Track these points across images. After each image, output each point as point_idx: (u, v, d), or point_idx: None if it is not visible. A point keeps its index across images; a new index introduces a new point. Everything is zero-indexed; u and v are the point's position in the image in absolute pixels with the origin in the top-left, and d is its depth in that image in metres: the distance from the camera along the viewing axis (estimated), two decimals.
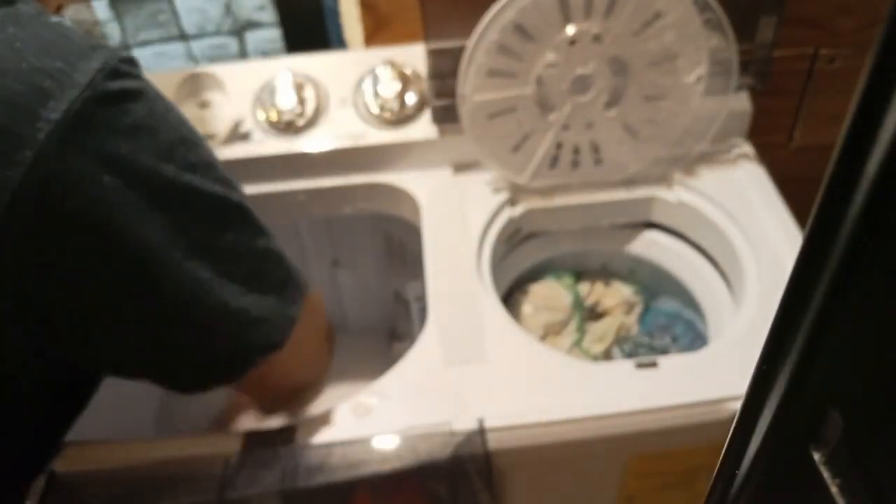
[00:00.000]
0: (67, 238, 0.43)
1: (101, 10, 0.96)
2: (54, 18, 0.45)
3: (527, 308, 0.85)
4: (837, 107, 0.95)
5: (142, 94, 0.45)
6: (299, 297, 0.56)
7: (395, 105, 0.80)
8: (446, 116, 0.78)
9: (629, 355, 0.84)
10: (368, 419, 0.60)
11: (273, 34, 0.99)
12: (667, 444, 0.61)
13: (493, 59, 0.70)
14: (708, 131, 0.78)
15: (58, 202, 0.41)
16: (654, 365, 0.62)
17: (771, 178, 0.79)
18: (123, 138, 0.43)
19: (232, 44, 1.00)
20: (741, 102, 0.80)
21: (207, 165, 0.49)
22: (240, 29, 0.98)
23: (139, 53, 1.05)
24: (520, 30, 0.69)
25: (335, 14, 0.94)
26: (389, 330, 1.04)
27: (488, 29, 0.68)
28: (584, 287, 0.89)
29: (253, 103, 0.81)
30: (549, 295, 0.86)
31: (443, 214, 0.77)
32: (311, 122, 0.81)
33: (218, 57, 1.02)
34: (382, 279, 0.98)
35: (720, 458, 0.31)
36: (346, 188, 0.82)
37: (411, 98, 0.81)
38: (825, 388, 0.25)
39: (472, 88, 0.72)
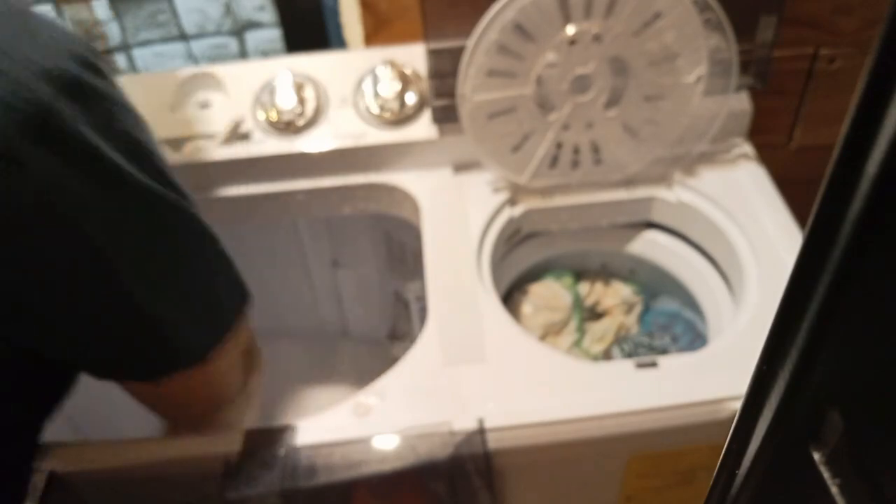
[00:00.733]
0: (19, 222, 0.42)
1: (101, 10, 0.96)
2: (27, 6, 0.45)
3: (527, 308, 0.85)
4: (837, 107, 0.95)
5: (106, 89, 0.45)
6: (233, 315, 0.55)
7: (395, 105, 0.80)
8: (446, 116, 0.78)
9: (629, 355, 0.84)
10: (368, 419, 0.60)
11: (273, 34, 0.99)
12: (667, 444, 0.61)
13: (493, 59, 0.70)
14: (708, 131, 0.78)
15: (14, 188, 0.40)
16: (654, 365, 0.62)
17: (771, 178, 0.79)
18: (84, 129, 0.43)
19: (232, 44, 1.00)
20: (741, 102, 0.80)
21: (159, 170, 0.48)
22: (240, 29, 0.98)
23: (139, 53, 1.05)
24: (520, 30, 0.69)
25: (335, 14, 0.94)
26: (389, 330, 1.04)
27: (488, 29, 0.68)
28: (583, 287, 0.89)
29: (253, 103, 0.81)
30: (549, 295, 0.86)
31: (443, 214, 0.77)
32: (311, 122, 0.81)
33: (218, 57, 1.02)
34: (382, 279, 0.98)
35: (720, 458, 0.31)
36: (345, 188, 0.82)
37: (411, 98, 0.81)
38: (825, 388, 0.25)
39: (472, 88, 0.72)
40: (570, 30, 0.69)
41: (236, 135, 0.80)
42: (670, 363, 0.63)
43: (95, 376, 0.52)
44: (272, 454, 0.57)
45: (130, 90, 0.50)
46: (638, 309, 0.88)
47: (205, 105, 0.82)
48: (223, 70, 0.83)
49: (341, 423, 0.59)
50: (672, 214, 0.82)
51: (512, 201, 0.79)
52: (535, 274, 0.88)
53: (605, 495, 0.66)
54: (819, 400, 0.26)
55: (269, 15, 0.98)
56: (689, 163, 0.80)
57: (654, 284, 0.88)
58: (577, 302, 0.86)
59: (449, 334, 0.66)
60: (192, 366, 0.52)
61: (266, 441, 0.58)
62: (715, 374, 0.61)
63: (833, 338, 0.24)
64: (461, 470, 0.57)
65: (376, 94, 0.81)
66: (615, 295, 0.88)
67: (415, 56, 0.82)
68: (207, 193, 0.81)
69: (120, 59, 1.03)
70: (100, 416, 0.86)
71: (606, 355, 0.85)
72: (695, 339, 0.83)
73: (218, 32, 0.98)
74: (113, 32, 0.99)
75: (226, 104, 0.82)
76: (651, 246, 0.85)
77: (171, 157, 0.79)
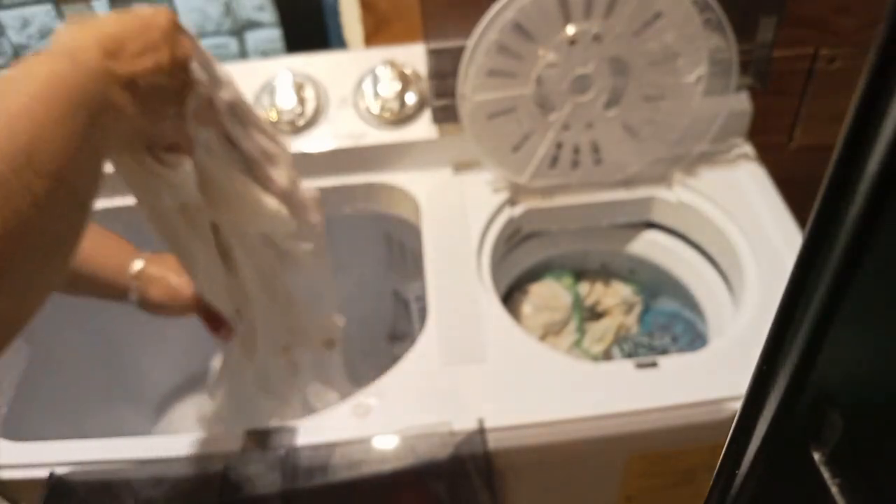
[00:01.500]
0: None
1: (101, 10, 0.96)
2: None
3: (527, 308, 0.85)
4: (837, 107, 0.95)
5: None
6: None
7: (395, 105, 0.80)
8: (446, 116, 0.78)
9: (629, 355, 0.84)
10: (368, 419, 0.60)
11: (273, 34, 0.99)
12: (667, 444, 0.61)
13: (493, 59, 0.70)
14: (708, 131, 0.78)
15: None
16: (654, 365, 0.62)
17: (771, 178, 0.79)
18: None
19: (232, 44, 1.00)
20: (741, 102, 0.80)
21: None
22: (240, 29, 0.98)
23: None
24: (520, 30, 0.69)
25: (335, 14, 0.94)
26: (389, 330, 1.04)
27: (488, 29, 0.68)
28: (583, 287, 0.89)
29: (253, 103, 0.81)
30: (549, 295, 0.86)
31: (443, 214, 0.77)
32: (311, 122, 0.81)
33: (218, 57, 1.02)
34: (382, 279, 0.98)
35: (720, 458, 0.31)
36: (345, 188, 0.82)
37: (411, 98, 0.81)
38: (825, 388, 0.25)
39: (472, 88, 0.72)
40: (570, 30, 0.69)
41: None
42: (670, 363, 0.63)
43: None
44: (272, 454, 0.57)
45: None
46: (638, 309, 0.88)
47: None
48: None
49: (341, 423, 0.59)
50: (672, 214, 0.82)
51: (512, 201, 0.79)
52: (535, 274, 0.88)
53: (605, 495, 0.66)
54: (819, 400, 0.26)
55: (269, 15, 0.98)
56: (689, 163, 0.80)
57: (654, 284, 0.88)
58: (577, 302, 0.86)
59: (449, 334, 0.66)
60: None
61: (266, 441, 0.58)
62: (715, 374, 0.61)
63: (833, 338, 0.24)
64: (461, 470, 0.57)
65: (376, 94, 0.81)
66: (615, 295, 0.88)
67: (415, 56, 0.82)
68: None
69: None
70: (100, 416, 0.86)
71: (606, 355, 0.85)
72: (695, 339, 0.83)
73: (218, 32, 0.98)
74: None
75: None
76: (651, 246, 0.85)
77: None
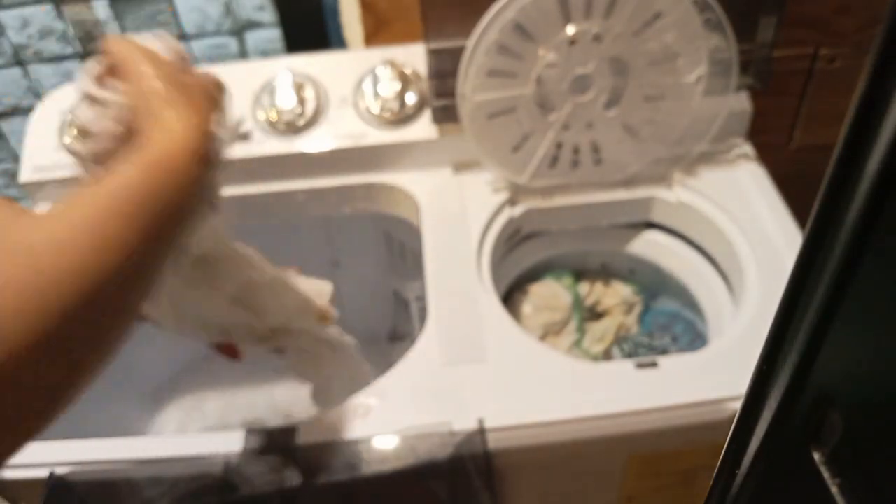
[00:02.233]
0: None
1: (101, 10, 0.96)
2: None
3: (527, 308, 0.85)
4: (837, 107, 0.95)
5: None
6: None
7: (395, 105, 0.80)
8: (446, 116, 0.78)
9: (629, 355, 0.84)
10: (368, 419, 0.60)
11: (273, 34, 0.99)
12: (667, 444, 0.61)
13: (493, 59, 0.70)
14: (708, 131, 0.78)
15: None
16: (654, 365, 0.62)
17: (771, 178, 0.79)
18: None
19: (232, 44, 1.00)
20: (741, 102, 0.80)
21: None
22: (240, 29, 0.98)
23: None
24: (520, 30, 0.69)
25: (335, 14, 0.94)
26: (389, 330, 1.04)
27: (488, 29, 0.68)
28: (583, 287, 0.89)
29: (253, 103, 0.81)
30: (549, 295, 0.86)
31: (443, 214, 0.77)
32: (311, 122, 0.81)
33: (218, 57, 1.02)
34: (382, 279, 0.98)
35: (720, 458, 0.31)
36: (345, 188, 0.82)
37: (411, 98, 0.81)
38: (825, 388, 0.25)
39: (472, 88, 0.72)
40: (571, 30, 0.69)
41: (236, 135, 0.80)
42: (670, 363, 0.63)
43: None
44: (272, 454, 0.57)
45: None
46: (638, 309, 0.88)
47: None
48: (223, 70, 0.83)
49: (341, 423, 0.59)
50: (672, 214, 0.82)
51: (512, 201, 0.79)
52: (535, 274, 0.88)
53: (605, 495, 0.66)
54: (819, 400, 0.26)
55: (269, 15, 0.98)
56: (689, 163, 0.80)
57: (654, 284, 0.88)
58: (577, 302, 0.86)
59: (449, 334, 0.66)
60: None
61: (266, 441, 0.58)
62: (715, 374, 0.61)
63: (833, 338, 0.24)
64: (461, 470, 0.57)
65: (376, 95, 0.81)
66: (615, 295, 0.88)
67: (415, 56, 0.82)
68: None
69: None
70: (100, 416, 0.86)
71: (606, 355, 0.85)
72: (695, 339, 0.83)
73: (218, 32, 0.98)
74: (113, 32, 0.99)
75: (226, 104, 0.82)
76: (651, 246, 0.85)
77: None
